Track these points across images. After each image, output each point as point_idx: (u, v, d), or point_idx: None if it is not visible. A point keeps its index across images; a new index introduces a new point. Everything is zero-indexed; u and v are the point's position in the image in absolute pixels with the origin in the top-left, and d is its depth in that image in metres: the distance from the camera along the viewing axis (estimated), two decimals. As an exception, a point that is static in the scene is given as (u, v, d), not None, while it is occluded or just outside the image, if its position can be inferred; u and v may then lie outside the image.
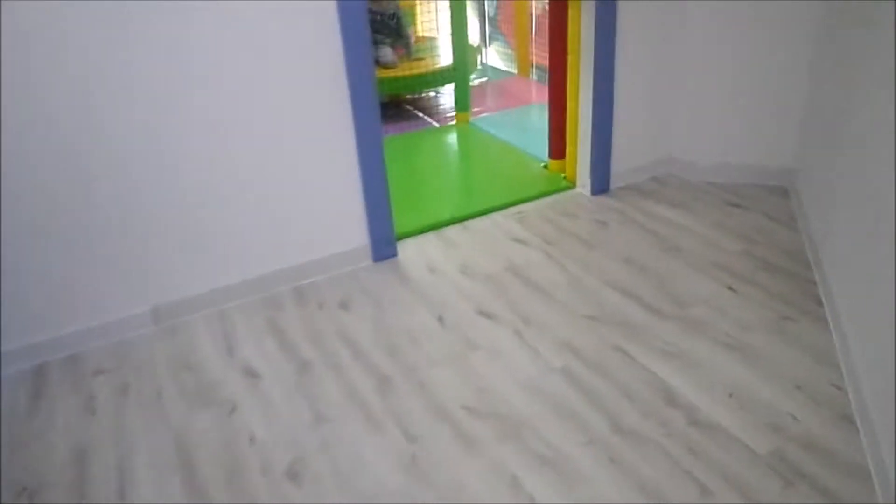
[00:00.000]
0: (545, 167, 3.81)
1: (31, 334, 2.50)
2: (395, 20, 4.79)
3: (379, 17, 4.76)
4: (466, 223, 3.33)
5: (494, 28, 6.71)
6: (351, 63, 2.62)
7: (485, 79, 5.94)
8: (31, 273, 2.42)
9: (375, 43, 4.87)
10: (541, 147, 3.75)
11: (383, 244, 3.03)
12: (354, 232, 2.96)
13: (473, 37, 6.76)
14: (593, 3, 3.07)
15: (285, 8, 2.47)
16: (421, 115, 5.02)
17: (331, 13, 2.54)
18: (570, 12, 3.24)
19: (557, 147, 3.67)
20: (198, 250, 2.68)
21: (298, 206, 2.80)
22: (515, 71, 5.99)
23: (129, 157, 2.44)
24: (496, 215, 3.39)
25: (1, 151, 2.23)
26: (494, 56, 6.63)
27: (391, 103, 5.10)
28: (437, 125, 4.76)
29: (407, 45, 4.84)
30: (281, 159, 2.69)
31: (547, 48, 3.51)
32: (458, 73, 4.56)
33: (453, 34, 4.49)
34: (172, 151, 2.50)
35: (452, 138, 4.51)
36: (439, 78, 4.74)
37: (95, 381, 2.44)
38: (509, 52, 6.33)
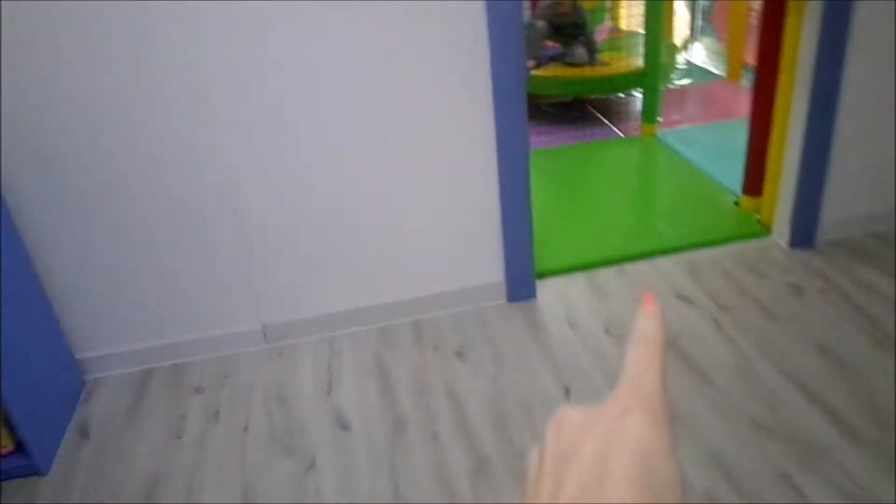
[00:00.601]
0: (736, 203, 3.17)
1: (141, 339, 2.44)
2: (578, 24, 4.30)
3: (558, 23, 4.31)
4: (625, 266, 2.82)
5: (706, 21, 5.90)
6: (497, 69, 2.23)
7: (686, 81, 5.22)
8: (146, 277, 2.34)
9: (564, 43, 4.40)
10: (737, 176, 3.10)
11: (520, 283, 2.63)
12: (487, 265, 2.59)
13: (680, 30, 6.00)
14: (820, 2, 2.40)
15: (426, 8, 2.13)
16: (605, 120, 4.49)
17: (476, 15, 2.16)
18: (790, 13, 2.58)
19: (754, 180, 3.01)
20: (313, 271, 2.47)
21: (425, 231, 2.49)
22: (724, 74, 5.20)
23: (247, 170, 2.26)
24: (664, 260, 2.84)
25: (122, 159, 2.13)
26: (702, 53, 5.84)
27: (575, 104, 4.60)
28: (620, 135, 4.20)
29: (589, 47, 4.32)
30: (408, 177, 2.39)
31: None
32: (647, 77, 3.96)
33: (646, 33, 3.90)
34: (291, 165, 2.28)
35: (630, 154, 3.94)
36: (626, 82, 4.18)
37: (192, 400, 2.32)
38: (720, 49, 5.52)
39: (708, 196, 3.29)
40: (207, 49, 2.06)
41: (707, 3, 5.94)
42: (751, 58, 5.23)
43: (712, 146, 3.78)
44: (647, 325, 0.33)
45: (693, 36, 5.99)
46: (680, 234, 2.98)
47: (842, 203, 2.79)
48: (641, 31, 5.14)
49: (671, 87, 5.07)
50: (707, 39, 6.02)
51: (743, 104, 4.73)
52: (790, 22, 2.58)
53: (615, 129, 4.30)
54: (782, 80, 2.70)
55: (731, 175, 3.22)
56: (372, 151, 2.32)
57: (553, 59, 4.37)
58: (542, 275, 2.77)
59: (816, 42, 2.46)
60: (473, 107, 2.30)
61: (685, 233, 2.98)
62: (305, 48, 2.12)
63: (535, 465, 0.30)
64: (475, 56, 2.22)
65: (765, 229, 2.95)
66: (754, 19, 5.38)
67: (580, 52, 4.21)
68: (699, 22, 5.93)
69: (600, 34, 4.68)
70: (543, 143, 4.11)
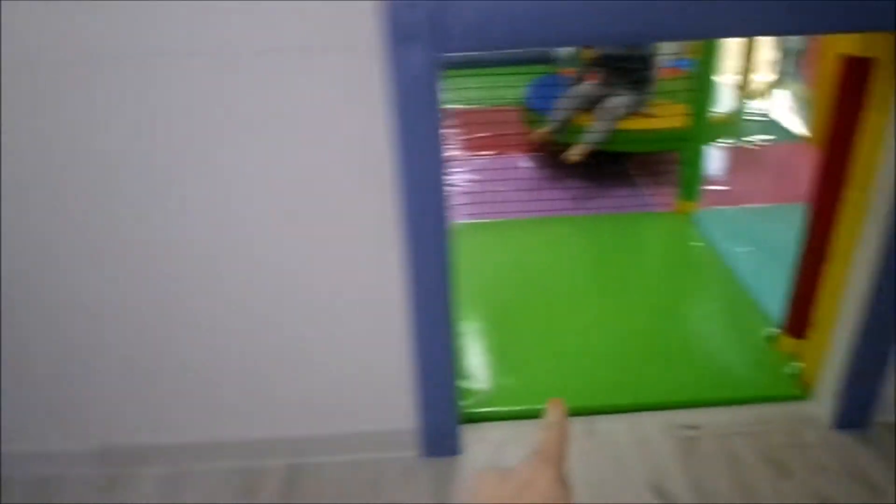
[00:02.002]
0: (771, 340, 2.36)
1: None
2: (643, 64, 3.47)
3: (625, 60, 3.46)
4: (595, 420, 2.08)
5: (795, 66, 4.96)
6: (405, 156, 1.55)
7: (758, 138, 4.32)
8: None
9: (610, 82, 3.57)
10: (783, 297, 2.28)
11: (439, 433, 1.95)
12: (395, 406, 1.92)
13: (763, 73, 5.07)
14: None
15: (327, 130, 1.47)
16: (638, 183, 3.69)
17: (378, 134, 1.48)
18: (870, 120, 1.78)
19: (799, 317, 2.20)
20: (164, 387, 1.86)
21: (314, 353, 1.84)
22: (808, 134, 4.27)
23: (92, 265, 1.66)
24: (650, 419, 2.09)
25: None
26: (786, 105, 4.91)
27: (610, 156, 3.77)
28: (650, 207, 3.39)
29: (641, 90, 3.48)
30: (293, 284, 1.74)
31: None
32: (689, 140, 3.14)
33: (697, 77, 3.06)
34: (136, 258, 1.67)
35: (650, 240, 3.12)
36: (668, 140, 3.35)
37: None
38: (806, 103, 4.59)
39: (739, 320, 2.48)
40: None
41: (800, 44, 4.99)
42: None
43: (761, 241, 2.94)
44: (554, 413, 0.48)
45: (779, 82, 5.05)
46: (683, 380, 2.20)
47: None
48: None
49: (733, 145, 4.20)
50: (796, 87, 5.08)
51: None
52: (870, 129, 1.78)
53: (646, 198, 3.49)
54: (852, 196, 1.89)
55: (777, 292, 2.33)
56: (242, 252, 1.68)
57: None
58: (480, 418, 2.07)
59: (902, 159, 1.65)
60: (367, 203, 1.63)
61: (689, 381, 2.20)
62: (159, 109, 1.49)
63: None
64: (369, 131, 1.54)
65: (801, 391, 2.15)
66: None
67: (618, 102, 3.40)
68: (786, 64, 4.99)
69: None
70: (544, 209, 3.35)
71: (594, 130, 3.38)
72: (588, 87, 3.57)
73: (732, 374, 2.23)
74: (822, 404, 2.07)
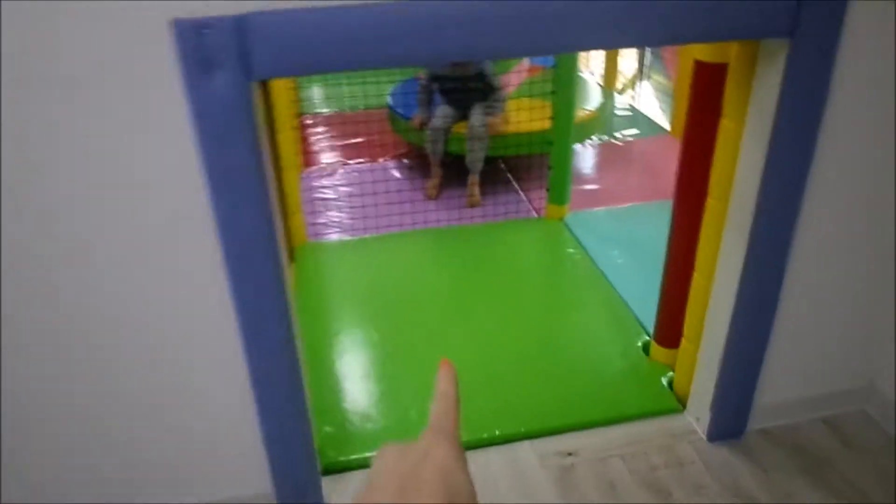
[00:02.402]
0: (645, 350, 2.31)
1: None
2: (481, 80, 3.32)
3: (460, 82, 3.31)
4: (468, 455, 1.93)
5: (657, 58, 5.06)
6: (216, 193, 1.33)
7: (627, 134, 4.34)
8: None
9: (457, 104, 3.43)
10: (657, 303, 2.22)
11: (296, 490, 1.74)
12: (247, 469, 1.69)
13: (628, 67, 5.14)
14: (769, 123, 1.54)
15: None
16: (515, 186, 3.59)
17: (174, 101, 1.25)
18: (725, 125, 1.72)
19: (670, 326, 2.16)
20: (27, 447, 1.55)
21: (154, 419, 1.59)
22: (669, 127, 4.34)
23: None
24: (526, 448, 1.97)
25: None
26: (650, 97, 4.99)
27: (486, 161, 3.64)
28: (521, 214, 3.29)
29: (499, 103, 3.35)
30: (124, 336, 1.48)
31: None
32: (555, 145, 3.06)
33: (555, 77, 2.97)
34: None
35: (521, 252, 3.01)
36: (535, 143, 3.26)
37: None
38: (669, 95, 4.68)
39: (611, 333, 2.42)
40: None
41: (659, 36, 5.09)
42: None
43: (634, 244, 2.91)
44: (444, 384, 0.50)
45: (641, 75, 5.12)
46: (557, 404, 2.09)
47: (788, 377, 1.95)
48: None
49: (601, 142, 4.20)
50: (657, 77, 5.18)
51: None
52: (725, 137, 1.72)
53: (524, 199, 3.40)
54: (711, 204, 1.83)
55: (651, 299, 2.27)
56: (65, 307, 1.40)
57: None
58: (345, 467, 1.89)
59: (762, 169, 1.59)
60: (182, 243, 1.40)
61: (565, 403, 2.10)
62: None
63: (362, 483, 0.40)
64: (179, 166, 1.31)
65: (677, 404, 2.10)
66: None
67: (477, 121, 3.26)
68: (648, 57, 5.07)
69: (518, 75, 3.76)
70: (410, 223, 3.18)
71: (474, 160, 3.27)
72: (445, 108, 3.41)
73: (608, 391, 2.15)
74: (697, 416, 2.03)
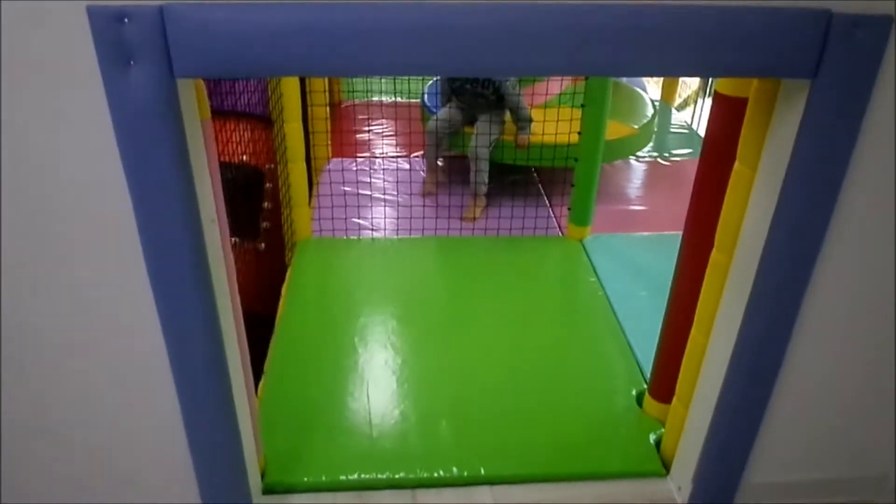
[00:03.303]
0: (639, 401, 2.11)
1: None
2: (494, 91, 3.11)
3: (470, 85, 3.12)
4: (419, 494, 1.80)
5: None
6: (139, 202, 1.21)
7: (679, 154, 4.08)
8: None
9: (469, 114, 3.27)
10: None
11: (226, 513, 1.64)
12: (172, 488, 1.60)
13: (689, 84, 4.84)
14: (781, 172, 1.33)
15: None
16: (545, 199, 3.40)
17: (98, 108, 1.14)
18: (738, 169, 1.51)
19: (665, 380, 1.95)
20: None
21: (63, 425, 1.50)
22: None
23: None
24: (486, 493, 1.81)
25: None
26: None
27: (517, 169, 3.46)
28: (542, 230, 3.09)
29: (517, 113, 3.14)
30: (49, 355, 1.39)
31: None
32: (581, 161, 2.85)
33: (586, 98, 2.76)
34: None
35: (531, 274, 2.79)
36: (556, 156, 3.04)
37: None
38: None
39: (604, 376, 2.22)
40: None
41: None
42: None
43: (653, 277, 2.68)
44: None
45: (704, 91, 4.83)
46: (527, 448, 1.92)
47: (783, 454, 1.73)
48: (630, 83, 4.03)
49: (648, 160, 3.95)
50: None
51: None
52: (736, 183, 1.51)
53: (552, 215, 3.20)
54: (715, 256, 1.63)
55: (654, 344, 2.08)
56: None
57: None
58: (292, 489, 1.77)
59: (769, 223, 1.39)
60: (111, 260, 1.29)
61: (535, 449, 1.93)
62: None
63: None
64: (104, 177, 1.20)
65: (661, 465, 1.90)
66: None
67: (479, 140, 3.08)
68: (712, 75, 4.75)
69: (558, 83, 3.55)
70: (419, 228, 3.03)
71: (479, 181, 3.11)
72: (450, 111, 3.24)
73: (590, 441, 1.97)
74: (679, 485, 1.83)
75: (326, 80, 3.57)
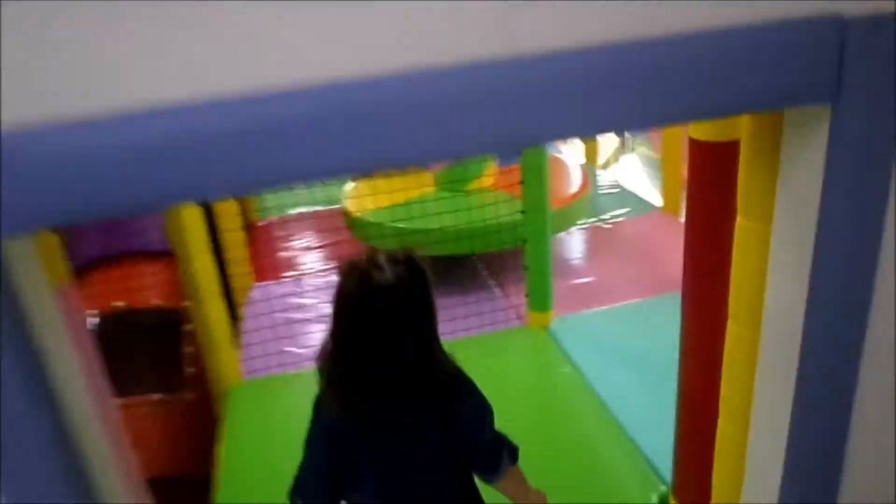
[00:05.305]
0: (663, 507, 1.77)
1: None
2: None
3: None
4: None
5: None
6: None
7: (616, 215, 3.92)
8: None
9: None
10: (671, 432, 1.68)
11: None
12: None
13: (609, 142, 4.77)
14: (810, 224, 1.07)
15: None
16: (493, 285, 3.11)
17: None
18: (744, 225, 1.25)
19: (695, 479, 1.63)
20: None
21: None
22: (660, 202, 3.91)
23: None
24: None
25: None
26: (637, 171, 4.60)
27: (458, 260, 3.17)
28: (498, 324, 2.77)
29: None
30: None
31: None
32: (531, 242, 2.59)
33: (523, 173, 2.52)
34: None
35: (497, 373, 2.38)
36: (495, 239, 2.77)
37: None
38: (656, 165, 4.29)
39: (612, 486, 1.88)
40: None
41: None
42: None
43: (636, 354, 2.41)
44: None
45: (623, 147, 4.75)
46: None
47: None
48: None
49: (587, 226, 3.76)
50: (644, 150, 4.81)
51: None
52: (744, 242, 1.25)
53: (502, 308, 2.90)
54: (734, 330, 1.35)
55: (666, 430, 1.75)
56: None
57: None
58: None
59: (806, 289, 1.11)
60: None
61: None
62: None
63: None
64: None
65: None
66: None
67: None
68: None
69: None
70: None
71: None
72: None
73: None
74: None
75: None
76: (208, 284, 2.37)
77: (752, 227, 1.21)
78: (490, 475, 1.30)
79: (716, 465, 1.49)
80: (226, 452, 2.16)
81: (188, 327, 2.95)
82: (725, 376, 1.39)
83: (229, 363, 2.48)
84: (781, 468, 1.27)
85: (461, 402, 1.27)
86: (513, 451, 1.31)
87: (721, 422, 1.44)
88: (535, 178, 2.46)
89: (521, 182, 2.51)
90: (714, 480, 1.51)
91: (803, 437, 1.22)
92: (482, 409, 1.29)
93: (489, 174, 3.27)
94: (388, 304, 1.15)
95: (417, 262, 1.20)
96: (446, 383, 1.25)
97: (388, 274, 1.15)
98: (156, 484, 2.62)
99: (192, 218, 2.32)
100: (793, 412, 1.20)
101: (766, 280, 1.21)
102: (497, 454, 1.29)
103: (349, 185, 3.52)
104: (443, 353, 1.26)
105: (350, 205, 3.28)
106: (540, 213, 2.50)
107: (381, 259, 1.16)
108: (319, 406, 1.31)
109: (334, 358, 1.22)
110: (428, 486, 1.29)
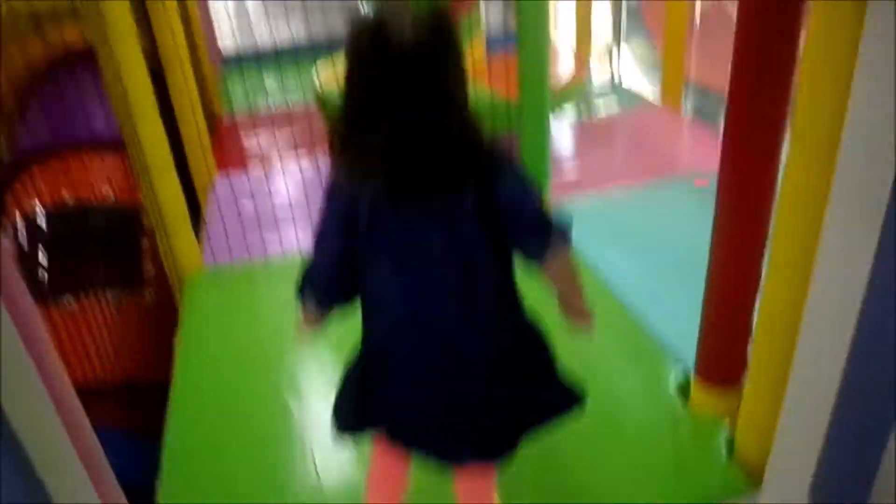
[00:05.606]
0: (683, 395, 1.57)
1: None
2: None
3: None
4: None
5: (637, 21, 4.38)
6: None
7: (608, 108, 3.64)
8: None
9: None
10: (688, 313, 1.47)
11: None
12: None
13: (600, 34, 4.42)
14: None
15: None
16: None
17: None
18: (815, 20, 0.99)
19: (723, 354, 1.43)
20: None
21: None
22: (658, 98, 3.62)
23: None
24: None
25: None
26: (633, 66, 4.30)
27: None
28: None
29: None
30: None
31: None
32: (526, 121, 2.30)
33: (520, 38, 2.22)
34: None
35: None
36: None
37: None
38: (653, 60, 3.99)
39: (625, 369, 1.68)
40: None
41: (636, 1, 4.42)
42: (695, 73, 3.71)
43: (632, 237, 2.19)
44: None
45: (617, 41, 4.41)
46: (544, 485, 1.35)
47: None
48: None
49: (577, 121, 3.49)
50: (638, 45, 4.50)
51: (686, 148, 3.19)
52: (813, 39, 1.00)
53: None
54: (790, 170, 1.11)
55: (679, 311, 1.58)
56: None
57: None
58: None
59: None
60: None
61: (552, 486, 1.35)
62: None
63: None
64: None
65: (743, 477, 1.36)
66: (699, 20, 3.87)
67: None
68: (625, 21, 4.35)
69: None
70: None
71: None
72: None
73: (632, 466, 1.41)
74: (779, 496, 1.29)
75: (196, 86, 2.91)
76: (163, 166, 2.06)
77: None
78: (539, 254, 1.07)
79: (757, 336, 1.29)
80: (182, 351, 1.92)
81: (145, 222, 2.67)
82: (782, 215, 1.15)
83: (187, 249, 2.21)
84: (851, 335, 1.05)
85: (500, 172, 1.04)
86: (565, 230, 1.06)
87: (769, 285, 1.22)
88: (534, 46, 2.17)
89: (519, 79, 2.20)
90: (754, 356, 1.30)
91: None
92: (525, 179, 1.07)
93: (478, 58, 2.94)
94: (407, 65, 0.94)
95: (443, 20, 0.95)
96: (480, 154, 1.02)
97: (406, 32, 0.93)
98: (118, 391, 2.39)
99: (145, 103, 1.99)
100: (875, 258, 0.98)
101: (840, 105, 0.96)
102: (547, 227, 1.05)
103: (321, 63, 3.22)
104: (476, 123, 1.00)
105: (322, 78, 3.01)
106: (540, 63, 2.20)
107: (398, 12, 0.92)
108: (333, 190, 1.10)
109: (350, 125, 1.01)
110: (459, 288, 1.06)
